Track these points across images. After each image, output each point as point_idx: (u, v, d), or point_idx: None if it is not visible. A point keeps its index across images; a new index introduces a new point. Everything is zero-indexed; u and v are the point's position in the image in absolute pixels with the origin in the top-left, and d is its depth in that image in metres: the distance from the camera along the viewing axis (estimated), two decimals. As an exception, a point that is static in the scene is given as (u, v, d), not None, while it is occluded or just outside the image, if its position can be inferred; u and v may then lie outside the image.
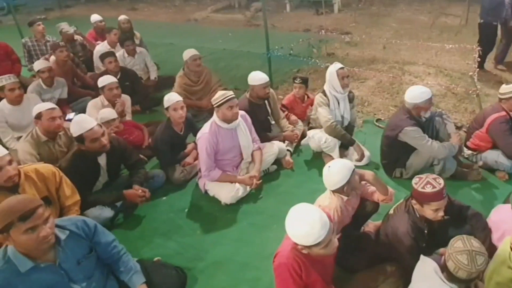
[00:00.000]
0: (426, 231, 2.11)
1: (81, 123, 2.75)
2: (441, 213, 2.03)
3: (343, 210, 2.26)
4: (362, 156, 3.38)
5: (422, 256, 1.87)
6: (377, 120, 4.17)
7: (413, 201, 2.09)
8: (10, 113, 3.71)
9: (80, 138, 2.72)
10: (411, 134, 2.93)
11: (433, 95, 3.07)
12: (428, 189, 1.97)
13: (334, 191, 2.23)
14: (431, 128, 3.13)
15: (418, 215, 2.11)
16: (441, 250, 1.84)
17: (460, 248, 1.65)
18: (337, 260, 2.12)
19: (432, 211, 2.03)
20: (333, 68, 3.30)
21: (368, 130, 3.99)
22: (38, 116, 3.04)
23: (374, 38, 7.04)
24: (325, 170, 2.20)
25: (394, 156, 3.17)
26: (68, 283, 1.85)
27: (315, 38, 7.03)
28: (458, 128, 3.74)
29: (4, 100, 3.71)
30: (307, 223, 1.69)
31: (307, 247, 1.73)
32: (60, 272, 1.82)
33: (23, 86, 3.96)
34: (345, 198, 2.27)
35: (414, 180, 2.06)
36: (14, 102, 3.70)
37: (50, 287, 1.81)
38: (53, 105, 3.15)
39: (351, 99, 3.55)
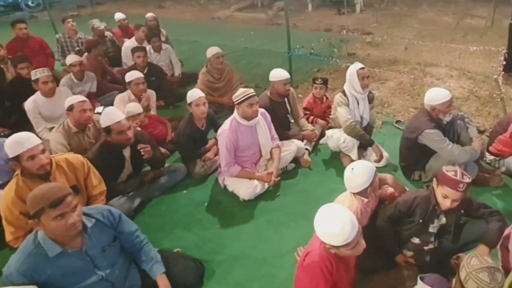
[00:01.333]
0: (431, 209, 2.11)
1: (110, 115, 2.79)
2: (448, 203, 2.01)
3: (362, 212, 2.21)
4: (380, 157, 3.29)
5: (420, 283, 1.77)
6: (397, 121, 4.05)
7: (435, 179, 2.09)
8: (43, 105, 3.80)
9: (108, 129, 2.77)
10: (431, 137, 2.82)
11: (455, 98, 2.95)
12: (450, 173, 1.97)
13: (356, 194, 2.18)
14: (452, 131, 3.01)
15: (432, 193, 2.12)
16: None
17: (478, 266, 1.56)
18: (356, 262, 2.07)
19: (441, 195, 2.03)
20: (354, 68, 3.22)
21: (387, 132, 3.88)
22: (70, 108, 3.10)
23: (395, 38, 6.85)
24: (348, 172, 2.16)
25: (413, 158, 3.07)
26: (93, 269, 1.89)
27: (336, 38, 6.92)
28: (481, 132, 3.59)
29: (38, 93, 3.80)
30: (338, 224, 1.66)
31: (335, 247, 1.70)
32: (86, 258, 1.85)
33: (56, 80, 4.06)
34: (366, 200, 2.22)
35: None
36: (47, 95, 3.79)
37: (76, 272, 1.84)
38: (84, 98, 3.21)
39: (370, 100, 3.46)
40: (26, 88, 3.93)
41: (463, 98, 4.43)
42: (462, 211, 2.16)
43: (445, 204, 2.03)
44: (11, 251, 2.17)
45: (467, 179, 1.95)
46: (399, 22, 8.15)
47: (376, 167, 3.04)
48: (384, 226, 2.24)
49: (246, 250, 2.55)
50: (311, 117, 3.88)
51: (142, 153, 2.92)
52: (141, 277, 2.12)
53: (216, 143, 3.42)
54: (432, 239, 2.20)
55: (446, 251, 2.25)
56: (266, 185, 3.09)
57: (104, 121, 2.78)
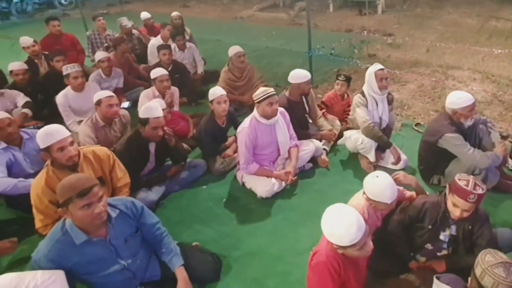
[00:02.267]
0: (441, 216, 2.04)
1: (152, 109, 2.86)
2: (458, 212, 1.94)
3: (370, 213, 2.15)
4: (398, 160, 3.20)
5: (436, 282, 1.71)
6: (417, 124, 3.92)
7: (448, 185, 2.01)
8: (73, 99, 3.89)
9: (145, 121, 2.82)
10: (452, 141, 2.71)
11: (477, 101, 2.83)
12: (462, 183, 1.88)
13: (368, 199, 2.10)
14: (473, 136, 2.88)
15: (443, 199, 2.05)
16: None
17: (493, 262, 1.49)
18: (368, 264, 2.03)
19: (451, 203, 1.96)
20: (372, 69, 3.14)
21: (407, 134, 3.77)
22: (98, 103, 3.16)
23: (417, 40, 6.64)
24: (372, 179, 2.05)
25: (433, 162, 2.96)
26: (116, 258, 1.91)
27: (356, 39, 6.77)
28: (504, 137, 3.42)
29: (69, 87, 3.88)
30: (344, 224, 1.63)
31: (342, 247, 1.67)
32: (109, 247, 1.88)
33: (86, 75, 4.15)
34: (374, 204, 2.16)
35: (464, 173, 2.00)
36: (77, 89, 3.87)
37: (100, 260, 1.87)
38: (111, 93, 3.26)
39: (390, 101, 3.36)
40: (58, 82, 4.04)
41: (486, 102, 4.25)
42: (470, 227, 2.04)
43: (455, 213, 1.96)
44: (40, 238, 2.22)
45: (480, 190, 1.85)
46: (421, 24, 7.88)
47: (394, 170, 3.00)
48: (395, 232, 2.17)
49: (263, 246, 2.54)
50: (324, 111, 3.80)
51: (166, 136, 2.98)
52: (160, 269, 2.14)
53: (235, 141, 3.42)
54: (445, 246, 2.12)
55: (461, 258, 2.16)
56: (284, 184, 3.06)
57: (144, 113, 2.83)
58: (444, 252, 2.15)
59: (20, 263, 2.49)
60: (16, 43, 5.33)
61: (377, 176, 2.03)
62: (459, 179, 1.90)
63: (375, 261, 2.09)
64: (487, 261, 1.51)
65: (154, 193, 2.97)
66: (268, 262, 2.41)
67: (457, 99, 2.67)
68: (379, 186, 2.01)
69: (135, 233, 2.00)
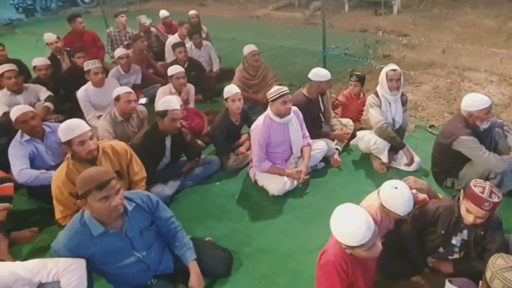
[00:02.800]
0: (454, 221, 1.99)
1: (170, 102, 2.89)
2: (471, 218, 1.88)
3: (383, 216, 2.10)
4: (411, 161, 3.13)
5: (448, 285, 1.68)
6: (431, 126, 3.82)
7: (463, 191, 1.95)
8: (93, 94, 3.94)
9: (164, 113, 2.85)
10: (466, 144, 2.63)
11: (494, 104, 2.73)
12: (477, 190, 1.82)
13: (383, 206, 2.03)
14: (489, 139, 2.79)
15: (456, 204, 1.99)
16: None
17: (504, 265, 1.47)
18: (378, 265, 1.99)
19: (465, 209, 1.91)
20: (385, 69, 3.08)
21: (420, 136, 3.68)
22: (117, 98, 3.19)
23: (433, 41, 6.46)
24: (390, 189, 1.94)
25: (446, 165, 2.88)
26: (131, 250, 1.93)
27: (371, 39, 6.65)
28: (520, 141, 3.31)
29: (89, 82, 3.93)
30: (353, 224, 1.60)
31: (350, 247, 1.65)
32: (125, 239, 1.90)
33: (105, 71, 4.19)
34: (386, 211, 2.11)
35: (479, 179, 1.94)
36: (97, 85, 3.92)
37: (116, 251, 1.90)
38: (130, 89, 3.29)
39: (404, 102, 3.28)
40: (79, 77, 4.09)
41: (503, 105, 4.11)
42: (482, 232, 1.98)
43: (468, 219, 1.90)
44: (59, 228, 2.27)
45: (496, 199, 1.79)
46: (437, 25, 7.67)
47: (407, 172, 2.95)
48: (410, 239, 2.12)
49: (274, 244, 2.52)
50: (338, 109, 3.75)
51: (184, 129, 3.01)
52: (174, 262, 2.15)
53: (249, 138, 3.40)
54: (456, 250, 2.08)
55: (472, 261, 2.11)
56: (295, 182, 3.04)
57: (162, 106, 2.86)
58: (456, 256, 2.10)
59: (40, 252, 2.55)
60: (40, 39, 5.43)
61: (396, 188, 1.93)
62: (475, 186, 1.85)
63: (386, 263, 2.06)
64: (497, 264, 1.50)
65: (169, 188, 2.99)
66: (278, 259, 2.40)
67: (473, 101, 2.59)
68: (397, 198, 1.91)
69: (150, 226, 2.01)
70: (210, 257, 2.22)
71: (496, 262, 1.50)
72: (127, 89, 3.28)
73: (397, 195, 1.91)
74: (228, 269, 2.30)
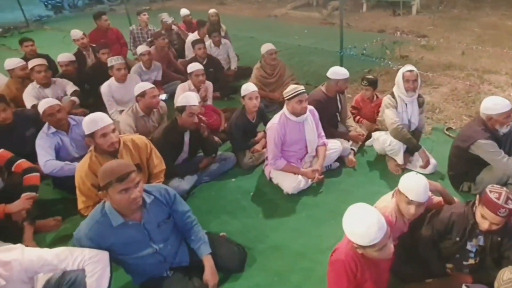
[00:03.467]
0: (469, 228, 1.92)
1: (188, 97, 2.90)
2: (486, 224, 1.82)
3: (397, 218, 2.05)
4: (427, 163, 3.04)
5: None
6: (448, 128, 3.70)
7: (479, 196, 1.88)
8: (116, 89, 3.99)
9: (182, 109, 2.86)
10: (485, 148, 2.53)
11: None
12: (493, 195, 1.75)
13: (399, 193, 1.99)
14: (508, 143, 2.66)
15: (471, 210, 1.92)
16: None
17: (510, 280, 1.43)
18: (392, 268, 1.94)
19: (480, 215, 1.84)
20: (402, 69, 3.00)
21: (437, 138, 3.57)
22: (142, 94, 3.20)
23: (452, 42, 6.26)
24: (411, 173, 1.98)
25: (463, 168, 2.78)
26: (149, 241, 1.95)
27: (389, 39, 6.48)
28: (541, 147, 3.16)
29: (113, 78, 3.98)
30: (364, 224, 1.57)
31: (361, 247, 1.61)
32: (143, 231, 1.91)
33: (128, 67, 4.23)
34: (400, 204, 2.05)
35: (496, 185, 1.86)
36: (120, 80, 3.96)
37: (135, 242, 1.91)
38: (152, 85, 3.30)
39: (420, 104, 3.17)
40: (103, 73, 4.15)
41: (523, 109, 3.93)
42: (499, 239, 1.91)
43: (483, 225, 1.84)
44: (81, 218, 2.30)
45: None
46: (457, 26, 7.41)
47: (422, 174, 2.85)
48: (426, 249, 2.06)
49: (287, 242, 2.50)
50: (358, 117, 3.67)
51: (202, 124, 3.02)
52: (189, 255, 2.16)
53: (264, 136, 3.38)
54: (471, 255, 2.00)
55: (488, 269, 2.03)
56: (310, 181, 3.00)
57: (181, 101, 2.88)
58: (471, 261, 2.03)
59: (63, 240, 2.59)
60: (67, 36, 5.53)
61: (417, 174, 1.98)
62: (491, 191, 1.77)
63: (399, 265, 2.01)
64: (504, 280, 1.48)
65: (186, 182, 3.00)
66: (291, 257, 2.37)
67: (493, 104, 2.48)
68: (413, 181, 1.92)
69: (167, 219, 2.02)
70: (224, 252, 2.22)
71: (504, 277, 1.48)
72: (151, 84, 3.30)
73: (414, 178, 1.92)
74: (241, 264, 2.29)
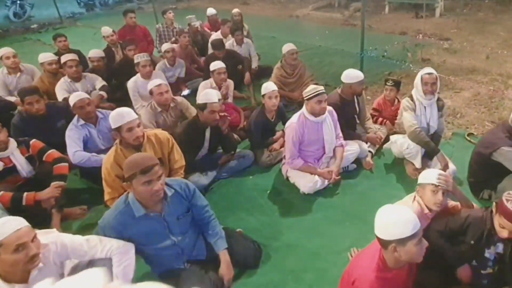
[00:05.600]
0: (486, 233, 1.84)
1: (209, 95, 2.91)
2: (505, 233, 1.74)
3: (421, 222, 1.97)
4: (445, 168, 2.89)
5: None
6: (469, 134, 3.53)
7: (495, 205, 1.79)
8: (141, 85, 4.02)
9: (203, 106, 2.87)
10: (508, 156, 2.40)
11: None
12: (510, 205, 1.66)
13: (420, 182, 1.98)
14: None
15: (489, 216, 1.84)
16: None
17: None
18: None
19: (498, 224, 1.76)
20: (421, 72, 2.88)
21: (457, 144, 3.42)
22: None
23: (476, 46, 5.98)
24: (432, 169, 2.05)
25: (484, 176, 2.65)
26: (168, 233, 1.96)
27: (411, 42, 6.27)
28: None
29: (139, 74, 4.03)
30: (402, 214, 1.53)
31: (402, 241, 1.50)
32: (163, 223, 1.92)
33: (153, 64, 4.28)
34: (426, 211, 1.97)
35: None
36: (145, 76, 4.00)
37: (155, 233, 1.93)
38: (159, 82, 3.27)
39: (440, 108, 3.03)
40: (130, 69, 4.20)
41: (550, 117, 3.72)
42: None
43: (502, 233, 1.74)
44: (106, 208, 2.36)
45: None
46: (482, 29, 7.08)
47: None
48: (438, 242, 1.95)
49: (302, 241, 2.46)
50: (380, 119, 3.56)
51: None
52: (206, 249, 2.16)
53: (283, 135, 3.34)
54: (490, 263, 1.90)
55: (508, 279, 1.93)
56: (326, 182, 2.94)
57: (202, 99, 2.89)
58: (489, 270, 1.92)
59: (87, 228, 2.64)
60: (98, 32, 5.64)
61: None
62: (507, 200, 1.68)
63: (418, 272, 1.93)
64: None
65: (205, 178, 3.01)
66: (305, 256, 2.33)
67: None
68: (436, 170, 1.98)
69: (186, 212, 2.02)
70: (240, 248, 2.21)
71: None
72: (158, 81, 3.28)
73: (435, 169, 2.00)
74: (256, 261, 2.28)
